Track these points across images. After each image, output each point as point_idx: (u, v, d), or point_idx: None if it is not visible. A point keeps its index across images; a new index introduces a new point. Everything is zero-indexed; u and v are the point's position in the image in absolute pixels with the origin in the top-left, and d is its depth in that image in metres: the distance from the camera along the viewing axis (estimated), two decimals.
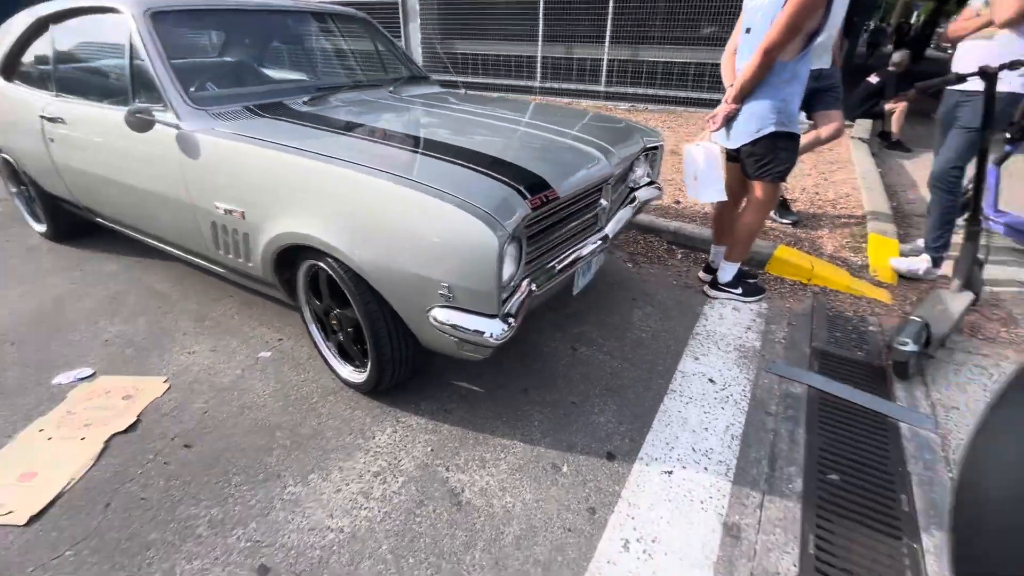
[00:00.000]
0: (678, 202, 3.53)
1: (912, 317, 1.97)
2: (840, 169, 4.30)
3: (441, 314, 1.39)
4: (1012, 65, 2.06)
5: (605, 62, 6.89)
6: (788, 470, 1.58)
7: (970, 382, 1.97)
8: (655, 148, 2.43)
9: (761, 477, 1.55)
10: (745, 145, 2.27)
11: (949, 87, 2.46)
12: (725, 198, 2.31)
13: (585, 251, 1.81)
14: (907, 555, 1.34)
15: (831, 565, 1.31)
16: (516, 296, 1.45)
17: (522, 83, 7.66)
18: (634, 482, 1.52)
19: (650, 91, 6.77)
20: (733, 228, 2.47)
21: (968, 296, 2.25)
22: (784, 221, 3.22)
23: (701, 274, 2.72)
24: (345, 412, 1.75)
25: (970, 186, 3.13)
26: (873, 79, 5.75)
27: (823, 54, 2.85)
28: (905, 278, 2.70)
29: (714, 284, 2.55)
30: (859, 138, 5.27)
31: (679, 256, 2.97)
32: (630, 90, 6.90)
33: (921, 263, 2.66)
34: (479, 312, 1.36)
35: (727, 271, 2.51)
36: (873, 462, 1.62)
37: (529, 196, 1.45)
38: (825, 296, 2.57)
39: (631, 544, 1.34)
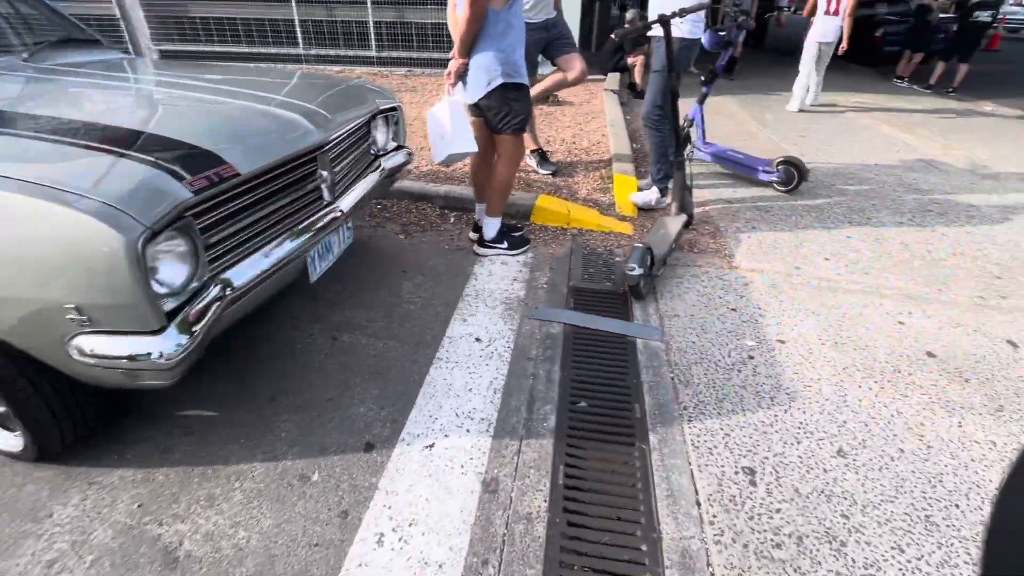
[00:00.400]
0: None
1: (636, 244, 2.21)
2: (594, 119, 4.74)
3: (85, 343, 1.07)
4: (680, 13, 2.38)
5: (372, 25, 6.49)
6: (544, 409, 1.65)
7: (688, 291, 2.31)
8: (392, 110, 2.29)
9: (520, 424, 1.59)
10: (481, 99, 2.27)
11: (649, 35, 2.77)
12: (475, 148, 2.29)
13: (311, 232, 1.61)
14: (638, 457, 1.50)
15: (579, 489, 1.40)
16: (199, 302, 1.19)
17: (285, 51, 6.83)
18: (393, 468, 1.43)
19: (424, 55, 6.61)
20: (489, 184, 2.50)
21: (682, 218, 2.64)
22: (544, 172, 3.41)
23: (471, 234, 2.72)
24: (7, 492, 1.31)
25: (690, 120, 3.70)
26: (615, 36, 6.41)
27: (546, 6, 2.99)
28: (643, 209, 3.07)
29: (481, 242, 2.57)
30: (610, 90, 5.87)
31: (452, 220, 2.94)
32: (404, 54, 6.64)
33: (652, 195, 3.05)
34: (135, 331, 1.08)
35: (490, 227, 2.55)
36: (615, 381, 1.78)
37: (190, 176, 1.18)
38: (582, 236, 2.79)
39: (386, 536, 1.25)
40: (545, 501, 1.35)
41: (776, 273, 2.47)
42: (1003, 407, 1.71)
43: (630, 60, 6.34)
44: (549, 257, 2.58)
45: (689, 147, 3.82)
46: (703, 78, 3.51)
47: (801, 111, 5.99)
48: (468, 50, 2.19)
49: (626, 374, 1.82)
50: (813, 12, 5.68)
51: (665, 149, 2.90)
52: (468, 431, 1.56)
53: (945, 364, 1.90)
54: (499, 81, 2.20)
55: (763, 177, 3.45)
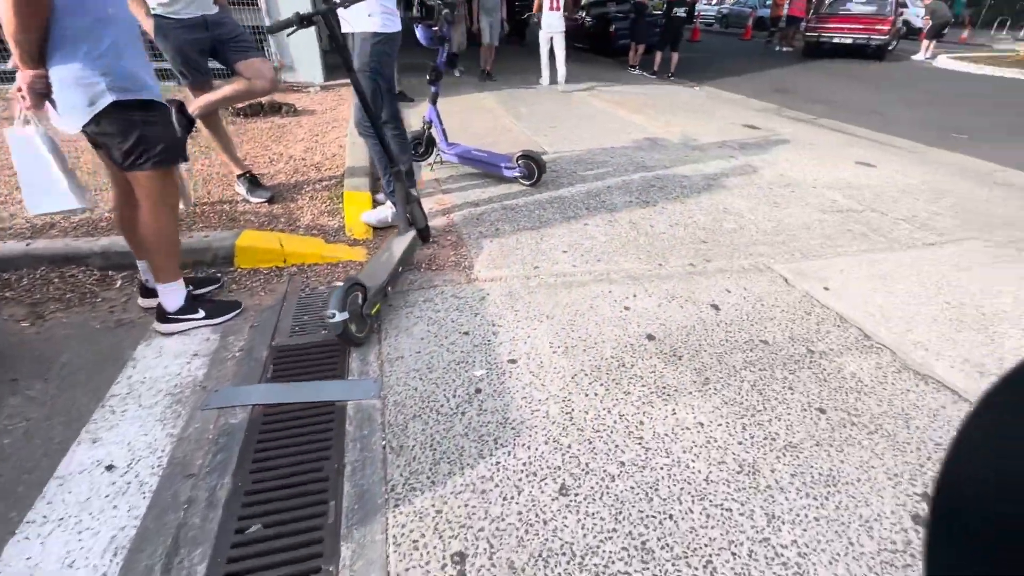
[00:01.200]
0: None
1: (337, 283, 1.83)
2: (335, 128, 4.25)
3: None
4: (343, 3, 2.04)
5: None
6: (192, 557, 1.17)
7: (418, 321, 2.02)
8: None
9: None
10: (88, 126, 1.63)
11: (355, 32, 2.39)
12: (76, 205, 1.66)
13: None
14: None
15: None
16: None
17: None
18: None
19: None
20: (143, 242, 1.87)
21: (411, 234, 2.34)
22: (257, 200, 2.83)
23: (140, 300, 2.05)
24: None
25: (428, 122, 3.45)
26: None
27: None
28: (380, 229, 2.72)
29: (163, 317, 1.90)
30: None
31: (118, 283, 2.20)
32: None
33: (386, 211, 2.71)
34: None
35: (170, 297, 1.89)
36: (308, 475, 1.38)
37: None
38: (302, 275, 2.31)
39: None
40: None
41: (515, 279, 2.34)
42: (709, 379, 1.76)
43: None
44: (254, 311, 2.06)
45: (435, 151, 3.61)
46: (428, 77, 3.29)
47: (551, 101, 6.34)
48: (34, 55, 1.54)
49: (327, 459, 1.43)
50: (540, 9, 6.10)
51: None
52: None
53: (662, 344, 1.92)
54: (107, 99, 1.60)
55: (507, 173, 3.38)
